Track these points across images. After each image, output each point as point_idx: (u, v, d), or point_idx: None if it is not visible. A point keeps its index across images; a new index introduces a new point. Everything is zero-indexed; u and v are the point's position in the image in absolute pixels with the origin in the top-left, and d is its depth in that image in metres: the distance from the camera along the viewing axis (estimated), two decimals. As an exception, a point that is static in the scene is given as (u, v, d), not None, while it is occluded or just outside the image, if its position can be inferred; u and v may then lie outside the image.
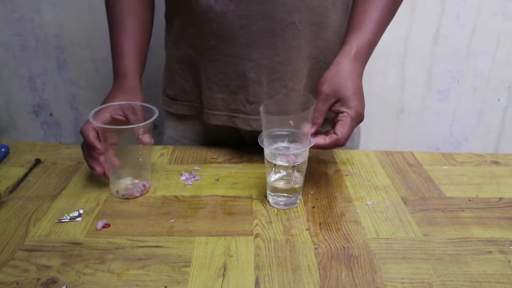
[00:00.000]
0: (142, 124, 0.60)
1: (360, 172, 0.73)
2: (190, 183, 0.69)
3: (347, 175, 0.72)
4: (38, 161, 0.73)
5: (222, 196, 0.66)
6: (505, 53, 1.43)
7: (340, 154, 0.80)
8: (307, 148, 0.60)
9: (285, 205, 0.63)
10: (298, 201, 0.64)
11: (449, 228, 0.59)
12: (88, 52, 1.36)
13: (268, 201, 0.64)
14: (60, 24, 1.32)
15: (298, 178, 0.62)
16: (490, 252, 0.55)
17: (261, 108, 0.59)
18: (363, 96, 0.65)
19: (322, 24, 0.72)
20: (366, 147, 0.94)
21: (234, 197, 0.65)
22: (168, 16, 0.80)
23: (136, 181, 0.65)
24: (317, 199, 0.65)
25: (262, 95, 0.74)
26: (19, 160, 0.73)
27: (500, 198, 0.67)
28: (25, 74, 1.38)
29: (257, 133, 0.77)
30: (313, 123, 0.62)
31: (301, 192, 0.65)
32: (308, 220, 0.60)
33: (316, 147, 0.61)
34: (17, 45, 1.34)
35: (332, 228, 0.58)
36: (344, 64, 0.65)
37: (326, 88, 0.63)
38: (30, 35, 1.33)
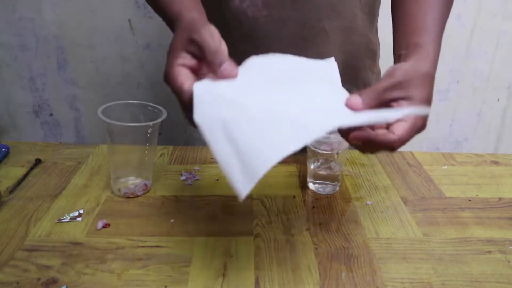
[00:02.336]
0: (151, 123, 0.60)
1: (360, 172, 0.73)
2: (190, 183, 0.69)
3: (347, 175, 0.73)
4: (38, 161, 0.73)
5: (222, 196, 0.66)
6: (505, 53, 1.43)
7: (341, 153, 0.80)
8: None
9: (326, 191, 0.67)
10: (337, 188, 0.67)
11: (449, 228, 0.59)
12: (88, 52, 1.36)
13: (308, 187, 0.68)
14: (60, 24, 1.32)
15: (338, 166, 0.66)
16: (490, 252, 0.55)
17: None
18: (430, 104, 0.49)
19: (351, 29, 0.73)
20: (366, 147, 0.94)
21: (234, 197, 0.65)
22: None
23: (138, 180, 0.65)
24: (317, 199, 0.65)
25: None
26: (19, 160, 0.73)
27: (500, 198, 0.67)
28: (25, 74, 1.39)
29: None
30: (362, 99, 0.45)
31: (340, 180, 0.68)
32: (308, 220, 0.60)
33: (364, 139, 0.44)
34: (17, 45, 1.34)
35: (332, 228, 0.58)
36: (422, 65, 0.50)
37: (400, 75, 0.47)
38: (30, 35, 1.33)
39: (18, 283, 0.47)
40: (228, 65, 0.45)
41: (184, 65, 0.45)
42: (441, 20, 0.58)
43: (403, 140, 0.46)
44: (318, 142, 0.64)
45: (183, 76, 0.44)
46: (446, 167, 0.77)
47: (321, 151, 0.64)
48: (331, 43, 0.72)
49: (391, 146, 0.45)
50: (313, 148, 0.64)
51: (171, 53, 0.46)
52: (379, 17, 0.79)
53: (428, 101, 0.48)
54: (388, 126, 0.47)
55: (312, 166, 0.67)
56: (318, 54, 0.70)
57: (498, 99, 1.50)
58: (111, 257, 0.51)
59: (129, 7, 1.30)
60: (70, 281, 0.48)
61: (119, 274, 0.49)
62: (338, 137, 0.64)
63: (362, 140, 0.45)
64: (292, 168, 0.74)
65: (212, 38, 0.45)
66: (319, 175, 0.66)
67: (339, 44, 0.73)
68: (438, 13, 0.58)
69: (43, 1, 1.28)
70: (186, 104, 0.44)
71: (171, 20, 0.52)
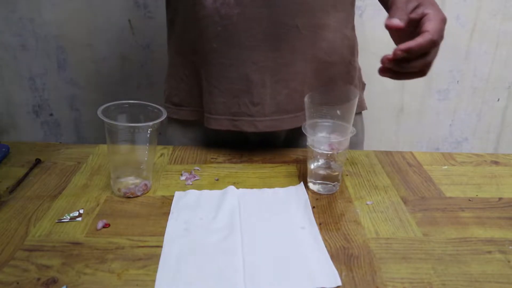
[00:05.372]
0: (151, 123, 0.60)
1: (360, 172, 0.73)
2: (190, 183, 0.69)
3: (347, 175, 0.72)
4: (38, 161, 0.73)
5: (222, 196, 0.65)
6: (505, 53, 1.43)
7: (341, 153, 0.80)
8: (349, 136, 0.63)
9: (325, 191, 0.66)
10: (336, 188, 0.67)
11: (449, 228, 0.59)
12: (88, 52, 1.36)
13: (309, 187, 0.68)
14: (60, 24, 1.32)
15: (338, 166, 0.66)
16: (490, 252, 0.55)
17: (306, 99, 0.62)
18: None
19: (323, 26, 0.74)
20: (366, 147, 0.94)
21: (234, 197, 0.65)
22: (170, 22, 0.80)
23: (138, 180, 0.65)
24: (317, 199, 0.65)
25: (266, 96, 0.74)
26: (19, 160, 0.73)
27: (500, 198, 0.67)
28: (25, 74, 1.39)
29: (262, 133, 0.76)
30: (399, 19, 0.57)
31: (340, 180, 0.67)
32: (308, 220, 0.60)
33: (408, 48, 0.55)
34: (17, 45, 1.34)
35: (332, 228, 0.58)
36: None
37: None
38: (30, 35, 1.33)
39: (18, 283, 0.47)
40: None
41: None
42: None
43: (438, 31, 0.57)
44: (318, 142, 0.64)
45: None
46: (446, 167, 0.77)
47: (321, 151, 0.64)
48: (303, 39, 0.73)
49: (432, 41, 0.56)
50: (313, 148, 0.64)
51: None
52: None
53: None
54: (419, 31, 0.57)
55: (312, 166, 0.66)
56: (290, 50, 0.72)
57: (498, 99, 1.50)
58: (111, 257, 0.51)
59: (129, 7, 1.30)
60: (70, 281, 0.48)
61: (119, 274, 0.49)
62: (338, 137, 0.64)
63: (406, 50, 0.55)
64: (292, 168, 0.74)
65: None
66: (319, 175, 0.66)
67: (312, 40, 0.74)
68: None
69: (43, 1, 1.28)
70: None
71: None
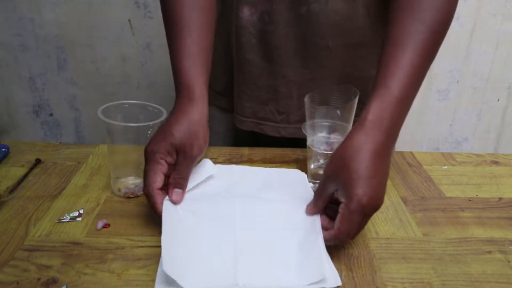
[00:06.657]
0: (151, 123, 0.60)
1: (360, 172, 0.73)
2: (190, 183, 0.68)
3: (347, 175, 0.72)
4: (38, 161, 0.73)
5: (222, 196, 0.65)
6: (505, 53, 1.43)
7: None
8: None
9: None
10: None
11: (449, 228, 0.59)
12: (88, 52, 1.36)
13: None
14: (60, 24, 1.32)
15: None
16: (490, 252, 0.55)
17: (306, 100, 0.63)
18: (377, 179, 0.50)
19: (358, 44, 0.74)
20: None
21: (234, 197, 0.65)
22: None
23: (138, 180, 0.65)
24: (317, 199, 0.65)
25: (292, 107, 0.78)
26: (19, 160, 0.73)
27: (500, 198, 0.67)
28: (25, 74, 1.39)
29: (284, 138, 0.80)
30: (312, 205, 0.55)
31: None
32: (308, 220, 0.60)
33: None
34: (17, 45, 1.34)
35: (332, 228, 0.58)
36: (354, 138, 0.51)
37: (328, 168, 0.52)
38: (30, 35, 1.33)
39: (18, 283, 0.47)
40: (178, 195, 0.57)
41: (160, 172, 0.56)
42: (410, 69, 0.54)
43: (344, 231, 0.50)
44: (318, 142, 0.64)
45: (158, 183, 0.56)
46: (446, 167, 0.77)
47: (321, 151, 0.64)
48: (335, 58, 0.74)
49: (338, 240, 0.51)
50: (313, 148, 0.64)
51: (154, 154, 0.56)
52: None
53: (368, 177, 0.49)
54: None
55: (312, 166, 0.67)
56: (319, 67, 0.73)
57: (498, 99, 1.50)
58: (111, 257, 0.51)
59: (129, 7, 1.30)
60: (70, 281, 0.48)
61: (119, 274, 0.49)
62: (338, 137, 0.64)
63: None
64: (292, 168, 0.74)
65: (186, 162, 0.56)
66: (319, 175, 0.66)
67: (344, 59, 0.74)
68: (408, 60, 0.54)
69: (43, 1, 1.29)
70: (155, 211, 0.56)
71: (175, 85, 0.62)
